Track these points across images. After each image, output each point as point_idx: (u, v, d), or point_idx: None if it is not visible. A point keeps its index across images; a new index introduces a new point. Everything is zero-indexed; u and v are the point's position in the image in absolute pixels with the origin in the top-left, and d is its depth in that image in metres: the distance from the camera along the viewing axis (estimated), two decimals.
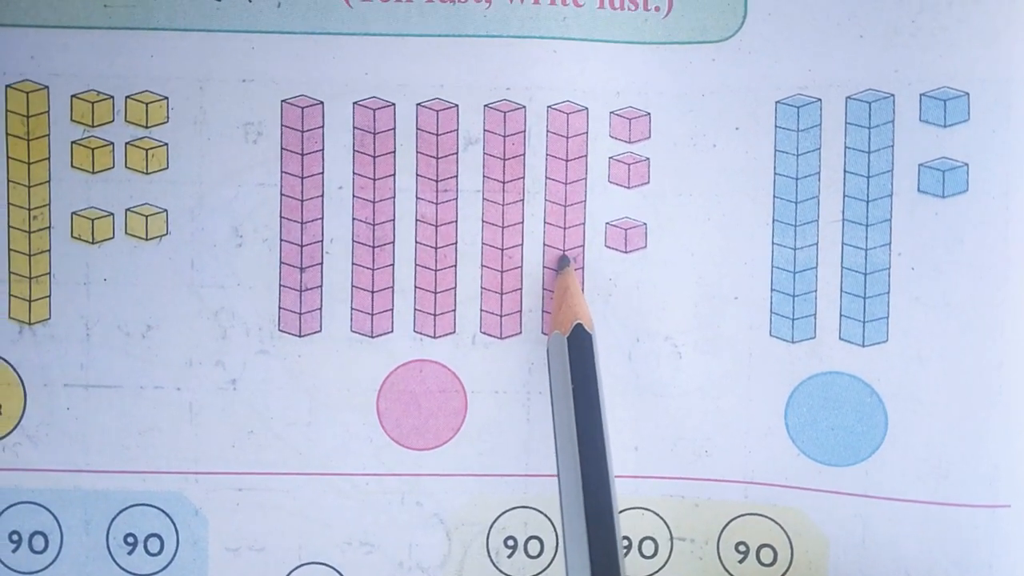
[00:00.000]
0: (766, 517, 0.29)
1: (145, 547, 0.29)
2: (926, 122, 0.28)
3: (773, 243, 0.29)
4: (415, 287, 0.29)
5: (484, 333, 0.29)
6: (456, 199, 0.29)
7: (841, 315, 0.28)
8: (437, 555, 0.29)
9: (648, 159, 0.29)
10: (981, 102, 0.27)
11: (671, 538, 0.29)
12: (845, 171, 0.28)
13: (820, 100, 0.28)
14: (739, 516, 0.29)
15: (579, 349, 0.27)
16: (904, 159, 0.28)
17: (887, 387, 0.28)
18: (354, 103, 0.29)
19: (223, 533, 0.29)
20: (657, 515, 0.29)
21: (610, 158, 0.29)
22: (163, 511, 0.29)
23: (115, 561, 0.29)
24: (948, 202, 0.28)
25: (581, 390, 0.26)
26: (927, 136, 0.28)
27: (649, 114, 0.29)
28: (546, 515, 0.29)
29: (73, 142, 0.28)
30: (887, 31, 0.28)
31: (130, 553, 0.29)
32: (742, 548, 0.29)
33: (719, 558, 0.29)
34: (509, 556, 0.29)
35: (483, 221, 0.29)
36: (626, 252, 0.29)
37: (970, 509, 0.28)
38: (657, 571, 0.29)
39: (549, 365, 0.27)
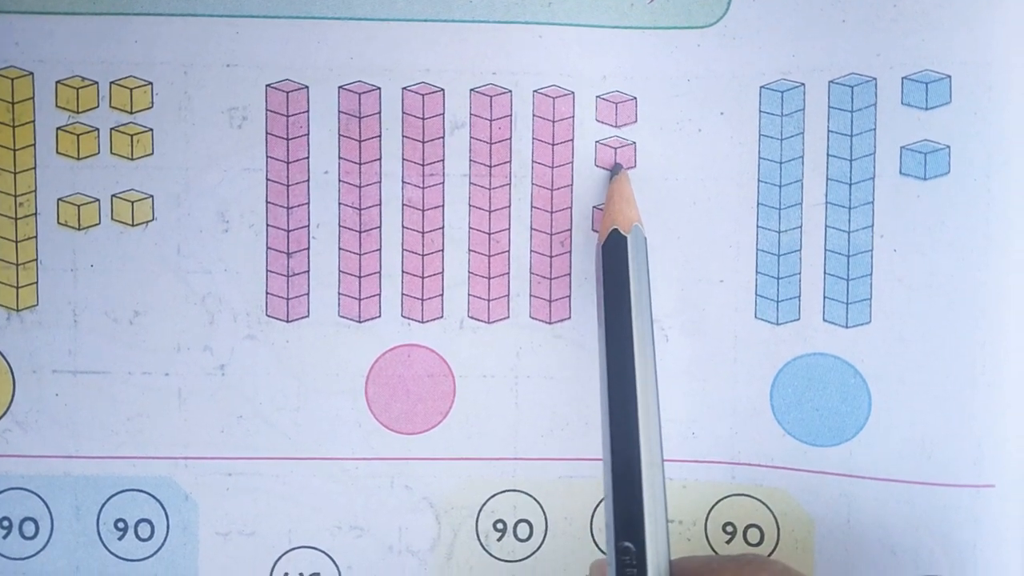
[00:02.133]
0: (752, 497, 0.29)
1: (136, 532, 0.29)
2: (908, 105, 0.28)
3: (758, 226, 0.29)
4: (402, 272, 0.29)
5: (472, 318, 0.29)
6: (443, 183, 0.29)
7: (825, 297, 0.29)
8: (427, 538, 0.29)
9: (634, 143, 0.29)
10: (962, 85, 0.27)
11: None
12: (828, 154, 0.29)
13: (803, 85, 0.29)
14: (726, 497, 0.29)
15: (613, 256, 0.26)
16: (886, 142, 0.28)
17: (870, 368, 0.28)
18: (339, 87, 0.28)
19: (213, 518, 0.29)
20: None
21: (597, 142, 0.29)
22: (153, 496, 0.29)
23: (106, 546, 0.29)
24: (930, 184, 0.28)
25: (612, 299, 0.25)
26: (909, 119, 0.28)
27: (635, 98, 0.29)
28: (535, 498, 0.29)
29: (58, 128, 0.28)
30: (869, 16, 0.28)
31: (121, 538, 0.29)
32: (729, 528, 0.29)
33: (707, 538, 0.29)
34: (499, 539, 0.29)
35: (470, 205, 0.29)
36: None
37: (954, 489, 0.28)
38: None
39: (596, 282, 0.27)
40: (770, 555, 0.29)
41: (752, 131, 0.29)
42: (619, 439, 0.24)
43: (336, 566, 0.29)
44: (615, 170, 0.28)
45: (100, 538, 0.29)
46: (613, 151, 0.29)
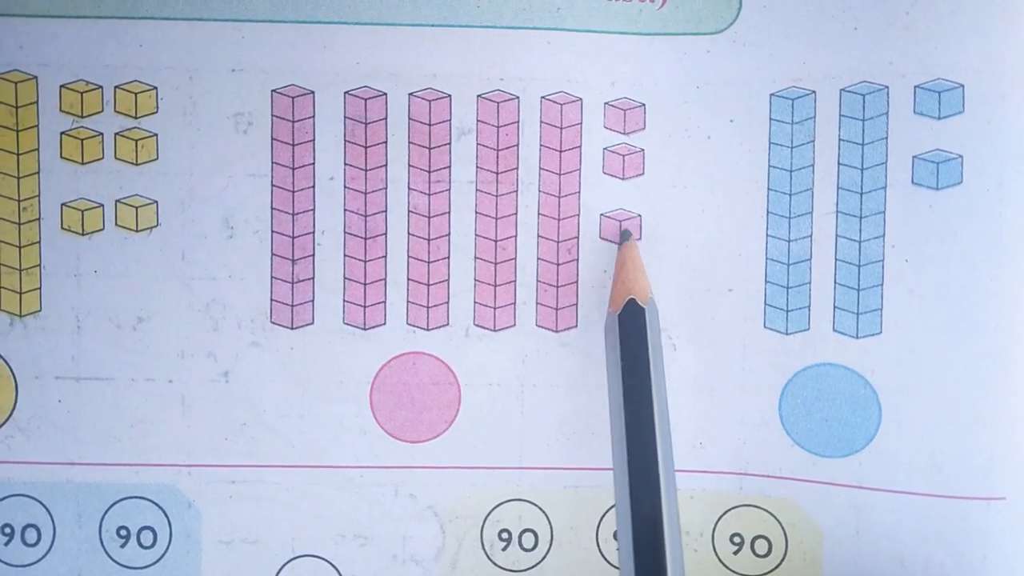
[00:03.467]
0: (761, 508, 0.29)
1: (138, 540, 0.29)
2: (920, 114, 0.28)
3: (767, 235, 0.29)
4: (408, 279, 0.29)
5: (478, 325, 0.29)
6: (449, 190, 0.29)
7: (835, 307, 0.28)
8: (431, 548, 0.29)
9: (643, 150, 0.29)
10: (976, 94, 0.27)
11: None
12: (839, 163, 0.28)
13: (814, 92, 0.28)
14: (733, 508, 0.29)
15: (630, 326, 0.26)
16: (898, 151, 0.28)
17: (881, 379, 0.28)
18: (345, 93, 0.28)
19: (216, 526, 0.29)
20: None
21: (604, 149, 0.29)
22: (156, 504, 0.29)
23: (108, 554, 0.29)
24: (942, 194, 0.28)
25: (631, 370, 0.25)
26: (921, 128, 0.28)
27: (644, 105, 0.29)
28: (540, 508, 0.29)
29: (62, 133, 0.28)
30: (881, 23, 0.28)
31: (123, 546, 0.29)
32: (737, 540, 0.29)
33: (714, 550, 0.29)
34: (504, 549, 0.29)
35: (476, 212, 0.29)
36: (621, 244, 0.29)
37: (965, 501, 0.28)
38: None
39: (606, 347, 0.27)
40: (778, 566, 0.29)
41: (762, 139, 0.28)
42: (641, 523, 0.24)
43: (340, 575, 0.29)
44: (624, 237, 0.28)
45: (102, 545, 0.29)
46: (621, 158, 0.29)
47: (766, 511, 0.29)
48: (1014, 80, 0.27)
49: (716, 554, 0.29)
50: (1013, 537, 0.28)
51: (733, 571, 0.29)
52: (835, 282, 0.28)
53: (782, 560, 0.29)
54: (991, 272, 0.27)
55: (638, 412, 0.25)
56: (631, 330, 0.26)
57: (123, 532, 0.29)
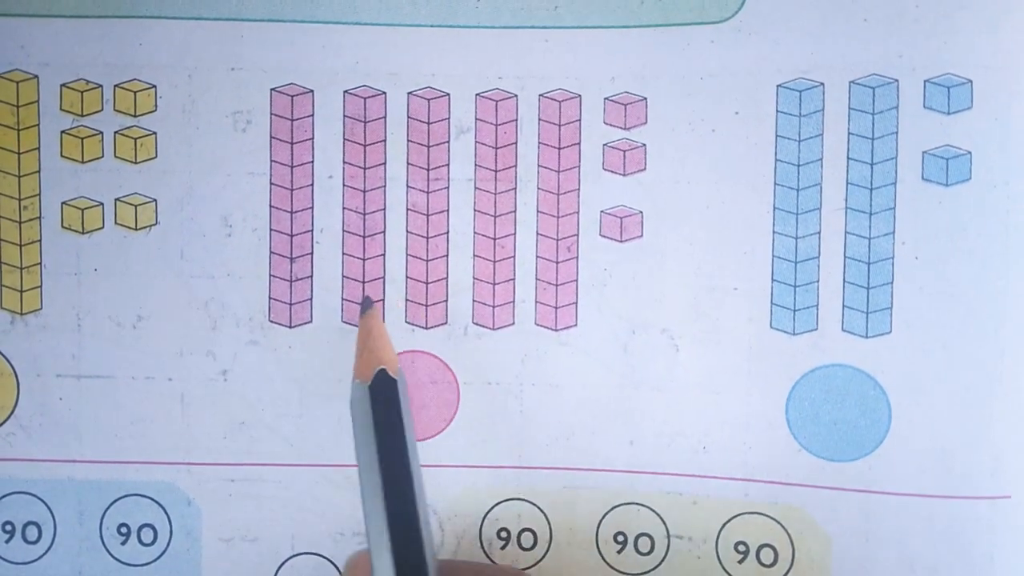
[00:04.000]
0: (767, 516, 0.28)
1: (138, 537, 0.29)
2: (930, 109, 0.27)
3: (774, 232, 0.28)
4: (406, 277, 0.28)
5: (476, 324, 0.28)
6: (447, 188, 0.28)
7: (844, 306, 0.28)
8: None
9: (644, 145, 0.28)
10: (983, 90, 0.26)
11: (668, 535, 0.29)
12: (848, 158, 0.28)
13: (823, 84, 0.28)
14: (739, 515, 0.28)
15: (383, 398, 0.24)
16: (908, 146, 0.27)
17: (891, 379, 0.27)
18: (345, 91, 0.28)
19: (216, 523, 0.29)
20: (653, 511, 0.29)
21: (604, 145, 0.28)
22: (156, 501, 0.29)
23: (108, 551, 0.29)
24: (951, 190, 0.27)
25: (386, 445, 0.24)
26: (931, 123, 0.27)
27: (645, 99, 0.28)
28: (539, 507, 0.29)
29: (62, 131, 0.28)
30: (891, 15, 0.27)
31: (123, 543, 0.29)
32: (742, 548, 0.29)
33: (718, 557, 0.29)
34: (502, 548, 0.29)
35: (475, 210, 0.28)
36: (621, 241, 0.28)
37: (971, 501, 0.27)
38: (653, 568, 0.29)
39: (353, 418, 0.25)
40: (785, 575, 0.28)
41: (769, 132, 0.28)
42: None
43: (339, 572, 0.29)
44: (365, 306, 0.27)
45: (103, 543, 0.29)
46: (622, 154, 0.28)
47: (772, 519, 0.28)
48: (1021, 77, 0.26)
49: (720, 562, 0.29)
50: (1020, 535, 0.27)
51: None
52: (844, 280, 0.28)
53: (789, 569, 0.28)
54: (999, 269, 0.27)
55: (398, 488, 0.23)
56: (384, 402, 0.24)
57: (123, 529, 0.29)
